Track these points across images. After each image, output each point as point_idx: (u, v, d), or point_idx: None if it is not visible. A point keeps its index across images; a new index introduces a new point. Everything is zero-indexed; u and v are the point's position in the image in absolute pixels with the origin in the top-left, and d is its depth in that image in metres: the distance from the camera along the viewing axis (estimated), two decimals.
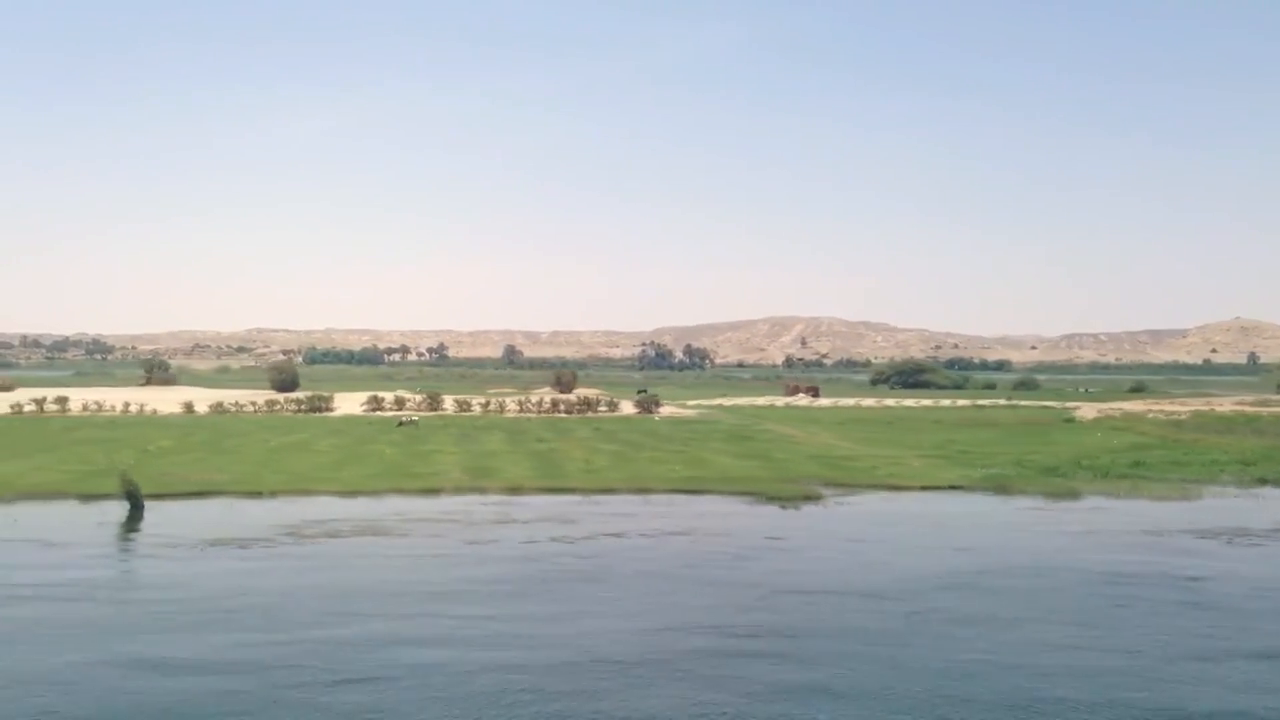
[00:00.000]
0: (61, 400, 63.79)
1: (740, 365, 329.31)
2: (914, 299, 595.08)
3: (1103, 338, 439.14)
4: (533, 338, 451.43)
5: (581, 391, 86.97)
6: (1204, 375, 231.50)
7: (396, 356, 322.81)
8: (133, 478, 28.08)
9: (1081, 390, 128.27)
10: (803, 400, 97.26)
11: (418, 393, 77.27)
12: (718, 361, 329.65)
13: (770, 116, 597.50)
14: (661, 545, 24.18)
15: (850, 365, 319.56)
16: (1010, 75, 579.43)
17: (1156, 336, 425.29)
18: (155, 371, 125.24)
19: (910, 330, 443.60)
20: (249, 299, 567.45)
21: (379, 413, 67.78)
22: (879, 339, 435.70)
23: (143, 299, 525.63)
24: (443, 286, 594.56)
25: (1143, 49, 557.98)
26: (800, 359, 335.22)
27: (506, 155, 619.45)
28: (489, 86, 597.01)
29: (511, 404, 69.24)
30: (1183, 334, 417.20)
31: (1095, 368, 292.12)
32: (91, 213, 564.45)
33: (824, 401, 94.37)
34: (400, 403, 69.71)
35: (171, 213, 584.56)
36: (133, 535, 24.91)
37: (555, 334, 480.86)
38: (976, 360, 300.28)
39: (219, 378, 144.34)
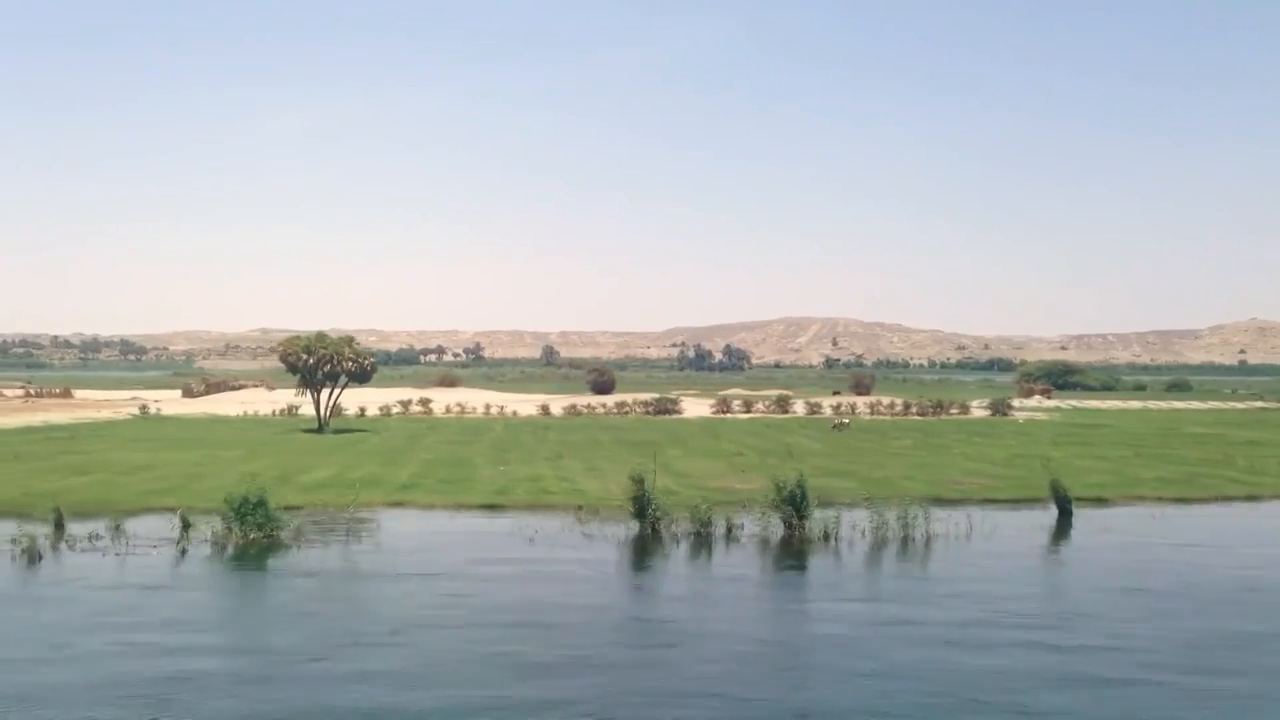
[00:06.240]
0: (425, 402, 60.50)
1: (777, 366, 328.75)
2: (922, 300, 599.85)
3: (1111, 338, 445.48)
4: (542, 338, 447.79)
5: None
6: (1245, 376, 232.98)
7: (433, 357, 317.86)
8: (1062, 483, 25.75)
9: (1231, 391, 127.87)
10: (1038, 400, 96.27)
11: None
12: (755, 363, 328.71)
13: (777, 118, 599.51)
14: None
15: (890, 365, 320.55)
16: (1019, 75, 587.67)
17: (1165, 338, 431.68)
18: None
19: (925, 331, 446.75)
20: (248, 298, 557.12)
21: (729, 414, 65.29)
22: (895, 339, 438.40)
23: (143, 299, 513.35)
24: (444, 287, 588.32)
25: (1148, 49, 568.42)
26: (838, 359, 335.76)
27: (511, 155, 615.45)
28: (491, 85, 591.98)
29: (863, 406, 67.02)
30: (1195, 335, 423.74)
31: (1134, 368, 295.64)
32: (88, 212, 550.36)
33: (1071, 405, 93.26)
34: (749, 405, 67.29)
35: (170, 213, 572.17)
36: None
37: (565, 334, 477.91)
38: (1016, 360, 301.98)
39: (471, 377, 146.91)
